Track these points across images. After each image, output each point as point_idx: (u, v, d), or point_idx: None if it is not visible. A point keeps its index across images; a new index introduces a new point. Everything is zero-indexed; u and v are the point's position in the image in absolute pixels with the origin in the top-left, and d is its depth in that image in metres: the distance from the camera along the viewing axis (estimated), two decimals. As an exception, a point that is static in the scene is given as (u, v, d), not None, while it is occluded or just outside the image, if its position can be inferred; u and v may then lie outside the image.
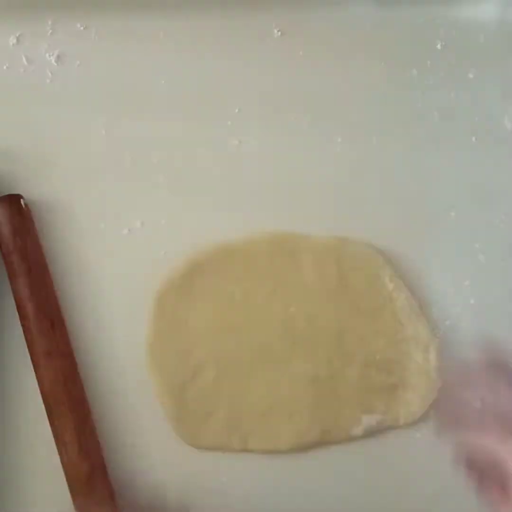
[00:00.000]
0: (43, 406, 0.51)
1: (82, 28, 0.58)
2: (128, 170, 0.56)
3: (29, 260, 0.53)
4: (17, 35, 0.57)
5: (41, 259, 0.54)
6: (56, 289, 0.54)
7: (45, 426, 0.51)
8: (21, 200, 0.54)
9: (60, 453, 0.51)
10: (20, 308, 0.53)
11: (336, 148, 0.57)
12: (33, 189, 0.56)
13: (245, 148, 0.57)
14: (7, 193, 0.54)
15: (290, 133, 0.57)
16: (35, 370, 0.52)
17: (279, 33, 0.58)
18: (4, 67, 0.57)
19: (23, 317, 0.52)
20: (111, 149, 0.56)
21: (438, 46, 0.58)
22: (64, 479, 0.51)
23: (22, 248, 0.53)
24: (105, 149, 0.56)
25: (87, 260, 0.55)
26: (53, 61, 0.57)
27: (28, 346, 0.52)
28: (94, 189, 0.56)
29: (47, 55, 0.57)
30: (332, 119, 0.58)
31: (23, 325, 0.53)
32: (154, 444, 0.54)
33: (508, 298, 0.56)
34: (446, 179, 0.57)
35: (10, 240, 0.53)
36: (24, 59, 0.57)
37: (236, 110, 0.57)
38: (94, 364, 0.54)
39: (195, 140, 0.57)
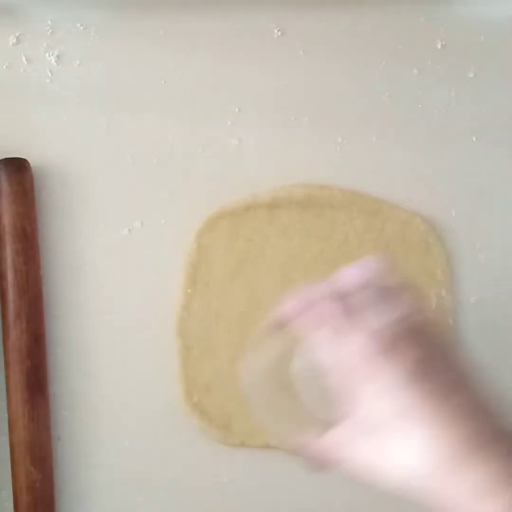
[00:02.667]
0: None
1: (82, 28, 0.58)
2: (128, 170, 0.56)
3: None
4: (17, 34, 0.57)
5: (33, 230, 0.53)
6: (54, 289, 0.54)
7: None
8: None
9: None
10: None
11: (336, 148, 0.57)
12: (33, 189, 0.56)
13: (245, 148, 0.57)
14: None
15: (290, 133, 0.57)
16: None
17: (279, 33, 0.58)
18: (4, 67, 0.57)
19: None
20: (111, 149, 0.56)
21: (438, 46, 0.58)
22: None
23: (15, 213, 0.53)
24: (105, 149, 0.56)
25: (87, 260, 0.55)
26: (53, 61, 0.57)
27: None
28: (93, 189, 0.56)
29: (47, 55, 0.57)
30: (332, 119, 0.58)
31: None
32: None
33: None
34: (446, 179, 0.57)
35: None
36: (24, 59, 0.57)
37: (236, 110, 0.57)
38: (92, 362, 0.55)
39: (195, 140, 0.57)
